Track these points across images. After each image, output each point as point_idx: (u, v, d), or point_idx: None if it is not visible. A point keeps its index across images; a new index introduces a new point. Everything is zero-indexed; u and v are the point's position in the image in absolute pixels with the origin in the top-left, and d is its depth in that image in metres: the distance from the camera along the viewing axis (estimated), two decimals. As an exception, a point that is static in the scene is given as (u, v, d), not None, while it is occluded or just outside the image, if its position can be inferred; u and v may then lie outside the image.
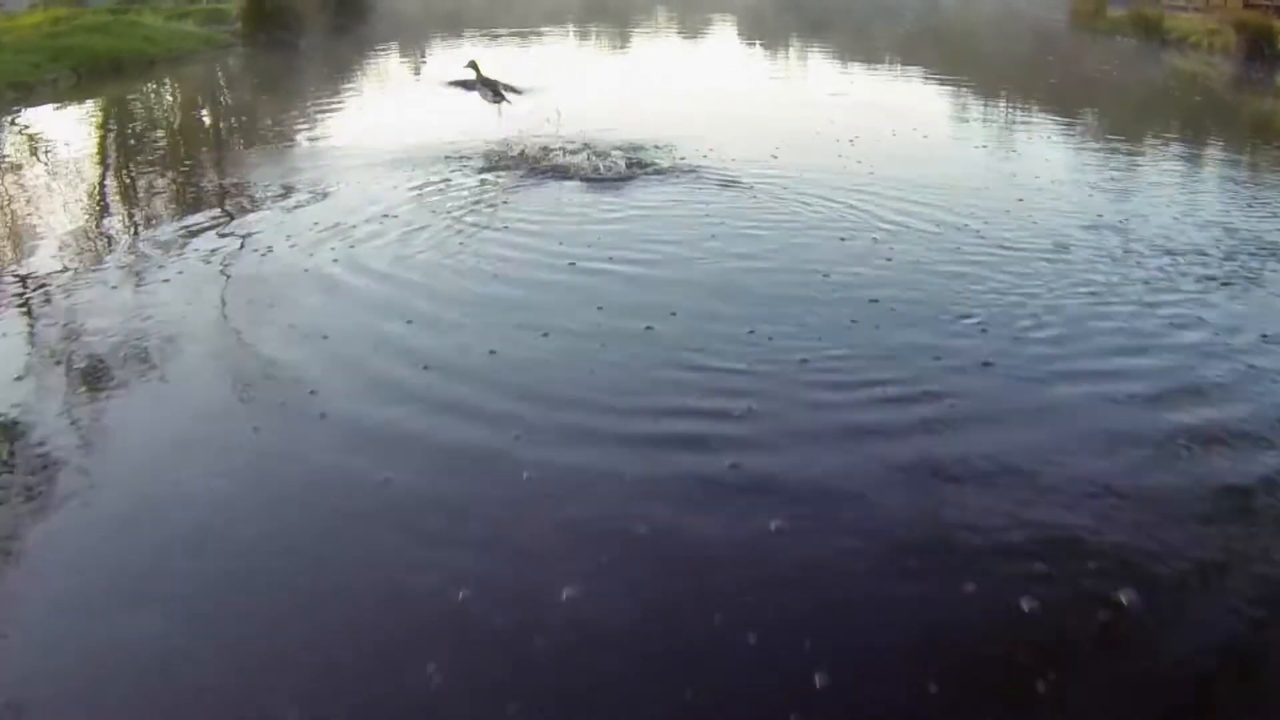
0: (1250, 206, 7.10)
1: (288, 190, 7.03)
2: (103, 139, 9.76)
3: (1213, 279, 5.17)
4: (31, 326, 4.57)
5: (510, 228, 5.87)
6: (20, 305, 4.81)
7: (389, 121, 10.61)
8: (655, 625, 2.51)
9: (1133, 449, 3.34)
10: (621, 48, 21.40)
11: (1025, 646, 2.47)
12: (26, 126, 10.40)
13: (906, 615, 2.57)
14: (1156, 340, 4.29)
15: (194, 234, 5.96)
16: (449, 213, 6.23)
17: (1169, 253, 5.59)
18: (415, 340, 4.22)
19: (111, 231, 6.21)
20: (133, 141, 9.62)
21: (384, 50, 19.54)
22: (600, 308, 4.59)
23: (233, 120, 11.61)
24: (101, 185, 7.58)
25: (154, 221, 6.48)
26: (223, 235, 5.91)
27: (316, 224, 6.01)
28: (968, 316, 4.51)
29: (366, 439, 3.41)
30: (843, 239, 5.74)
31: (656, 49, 21.13)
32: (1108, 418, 3.55)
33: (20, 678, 2.40)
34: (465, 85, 8.27)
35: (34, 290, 4.99)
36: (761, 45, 22.08)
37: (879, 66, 17.41)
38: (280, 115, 11.26)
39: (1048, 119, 11.39)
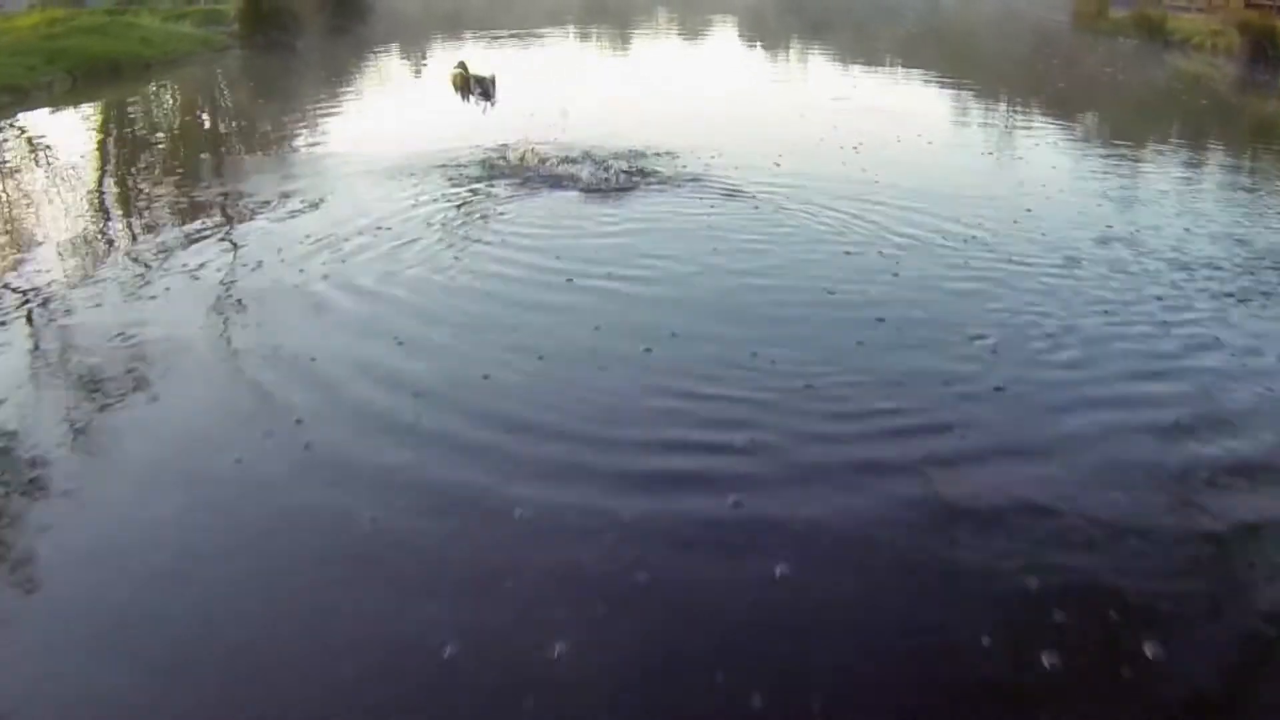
0: (1262, 216, 6.97)
1: (281, 199, 6.89)
2: (94, 146, 9.61)
3: (1229, 295, 5.03)
4: (7, 347, 4.41)
5: (506, 241, 5.72)
6: (-2, 323, 4.67)
7: (385, 126, 10.48)
8: (653, 685, 2.36)
9: (1154, 484, 3.19)
10: (622, 49, 21.24)
11: (1048, 707, 2.32)
12: (21, 131, 10.26)
13: (921, 673, 2.42)
14: (1174, 363, 4.14)
15: (183, 246, 5.81)
16: (443, 225, 6.08)
17: (1182, 267, 5.45)
18: (406, 364, 4.07)
19: (97, 244, 6.05)
20: (124, 149, 9.47)
21: (383, 51, 19.38)
22: (598, 327, 4.44)
23: (227, 126, 11.46)
24: (89, 195, 7.42)
25: (143, 233, 6.32)
26: (213, 248, 5.75)
27: (308, 236, 5.86)
28: (978, 337, 4.36)
29: (353, 474, 3.26)
30: (848, 253, 5.59)
31: (657, 50, 20.97)
32: (1126, 449, 3.40)
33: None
34: (468, 89, 7.99)
35: (13, 308, 4.84)
36: (762, 47, 21.93)
37: (881, 69, 17.26)
38: (275, 120, 11.12)
39: (1053, 123, 11.24)
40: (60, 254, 5.78)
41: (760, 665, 2.40)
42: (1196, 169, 9.06)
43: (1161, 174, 8.56)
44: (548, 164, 7.49)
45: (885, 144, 8.88)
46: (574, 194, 6.86)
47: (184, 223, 6.39)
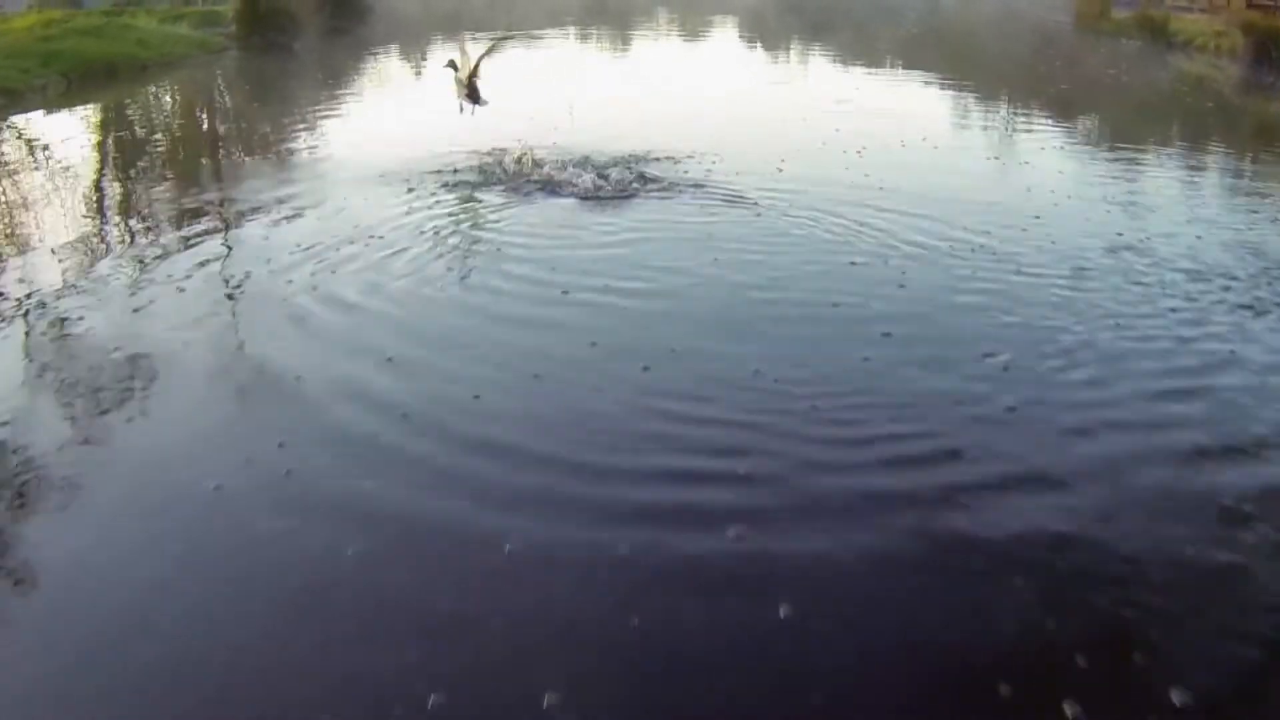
0: (1274, 222, 6.81)
1: (272, 206, 6.74)
2: (85, 150, 9.46)
3: (1246, 308, 4.87)
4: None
5: (501, 251, 5.57)
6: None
7: (382, 129, 10.33)
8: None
9: (1179, 517, 3.03)
10: (622, 50, 21.10)
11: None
12: (17, 134, 10.12)
13: (935, 727, 2.27)
14: (1194, 382, 3.97)
15: (171, 255, 5.67)
16: (435, 233, 5.93)
17: (1197, 277, 5.29)
18: (395, 383, 3.91)
19: (83, 251, 5.89)
20: (116, 154, 9.31)
21: (381, 53, 19.24)
22: (594, 344, 4.28)
23: (221, 130, 11.31)
24: (79, 201, 7.27)
25: (130, 241, 6.17)
26: (201, 257, 5.60)
27: (299, 245, 5.71)
28: (989, 354, 4.19)
29: (335, 503, 3.10)
30: (853, 263, 5.43)
31: (657, 51, 20.82)
32: (1149, 478, 3.23)
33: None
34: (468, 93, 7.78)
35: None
36: (763, 47, 21.78)
37: (882, 70, 17.11)
38: (270, 124, 10.97)
39: (1058, 126, 11.10)
40: (44, 262, 5.63)
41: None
42: (1203, 173, 8.91)
43: (1169, 178, 8.41)
44: (545, 169, 7.33)
45: (888, 147, 8.72)
46: (571, 201, 6.71)
47: (174, 230, 6.24)
